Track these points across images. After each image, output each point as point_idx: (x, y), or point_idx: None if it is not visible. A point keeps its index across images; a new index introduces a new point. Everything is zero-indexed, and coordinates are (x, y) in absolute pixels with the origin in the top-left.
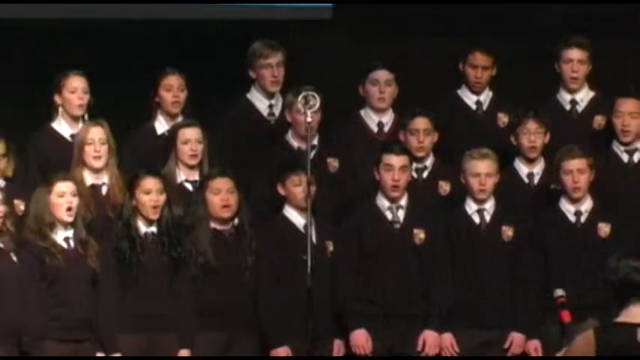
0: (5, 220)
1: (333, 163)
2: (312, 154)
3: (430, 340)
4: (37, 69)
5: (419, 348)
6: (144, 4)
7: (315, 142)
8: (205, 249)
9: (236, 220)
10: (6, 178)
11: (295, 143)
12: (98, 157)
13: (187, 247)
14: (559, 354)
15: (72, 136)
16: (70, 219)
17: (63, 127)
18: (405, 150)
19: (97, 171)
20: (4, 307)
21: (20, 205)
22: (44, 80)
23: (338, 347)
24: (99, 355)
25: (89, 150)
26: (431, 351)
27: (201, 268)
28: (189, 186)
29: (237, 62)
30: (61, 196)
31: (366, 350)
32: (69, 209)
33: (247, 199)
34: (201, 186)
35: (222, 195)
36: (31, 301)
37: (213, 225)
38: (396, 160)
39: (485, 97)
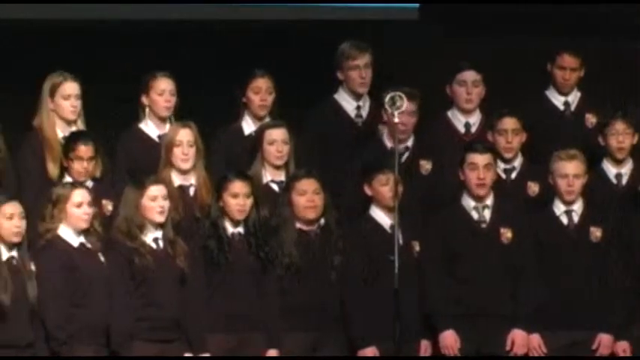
0: (93, 220)
1: (426, 165)
2: (406, 155)
3: (519, 339)
4: (124, 70)
5: (507, 347)
6: (232, 5)
7: (410, 143)
8: (290, 250)
9: (322, 221)
10: (94, 179)
11: (389, 144)
12: (186, 160)
13: (274, 248)
14: None
15: (159, 136)
16: (161, 220)
17: (150, 127)
18: (488, 148)
19: (184, 172)
20: (92, 307)
21: (108, 206)
22: (132, 81)
23: (425, 348)
24: (187, 355)
25: (177, 152)
26: (519, 350)
27: (286, 269)
28: (275, 186)
29: (324, 63)
30: (153, 199)
31: (454, 351)
32: (160, 212)
33: (335, 200)
34: (287, 187)
35: (307, 196)
36: (120, 301)
37: (299, 226)
38: (480, 159)
39: (574, 97)
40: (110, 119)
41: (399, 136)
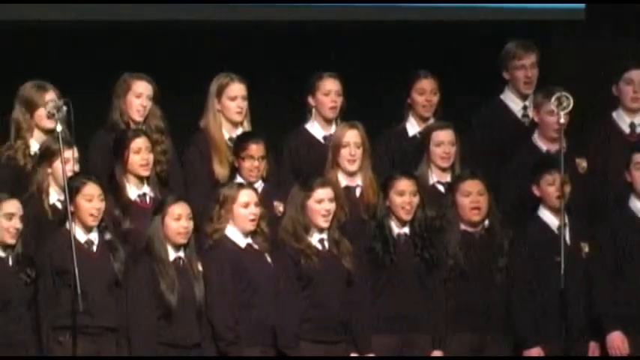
0: (260, 221)
1: (582, 164)
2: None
3: None
4: (291, 71)
5: None
6: (399, 6)
7: (563, 143)
8: (455, 252)
9: (486, 222)
10: (262, 180)
11: (543, 145)
12: (353, 161)
13: (439, 249)
14: None
15: (324, 137)
16: (326, 225)
17: (315, 128)
18: None
19: (351, 174)
20: (260, 308)
21: (279, 207)
22: (299, 81)
23: (593, 349)
24: (353, 355)
25: (344, 153)
26: None
27: (451, 270)
28: (441, 188)
29: (491, 63)
30: (320, 202)
31: (622, 352)
32: (325, 216)
33: (501, 201)
34: (451, 188)
35: (472, 197)
36: (286, 302)
37: (463, 227)
38: None
39: None
40: (276, 120)
41: (552, 135)
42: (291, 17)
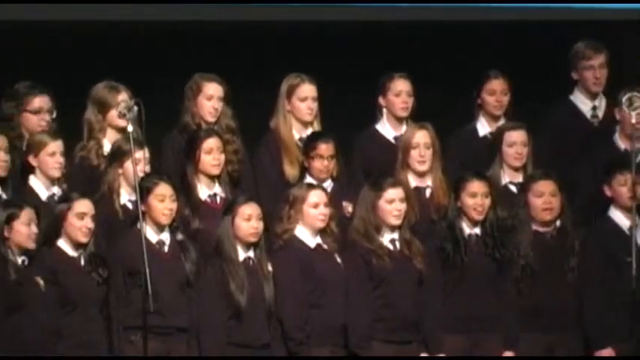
0: (330, 221)
1: None
2: None
3: None
4: (362, 70)
5: None
6: (467, 6)
7: (637, 143)
8: (526, 252)
9: (558, 222)
10: (332, 179)
11: (622, 145)
12: (423, 162)
13: (510, 249)
14: None
15: (395, 138)
16: (398, 222)
17: (386, 129)
18: None
19: (421, 174)
20: (329, 308)
21: (348, 207)
22: (371, 82)
23: None
24: (423, 355)
25: (414, 154)
26: None
27: (522, 270)
28: (513, 188)
29: (561, 63)
30: (390, 202)
31: None
32: (397, 216)
33: (571, 201)
34: (523, 188)
35: (545, 198)
36: (357, 302)
37: (535, 227)
38: None
39: None
40: (346, 120)
41: (632, 135)
42: (360, 17)
